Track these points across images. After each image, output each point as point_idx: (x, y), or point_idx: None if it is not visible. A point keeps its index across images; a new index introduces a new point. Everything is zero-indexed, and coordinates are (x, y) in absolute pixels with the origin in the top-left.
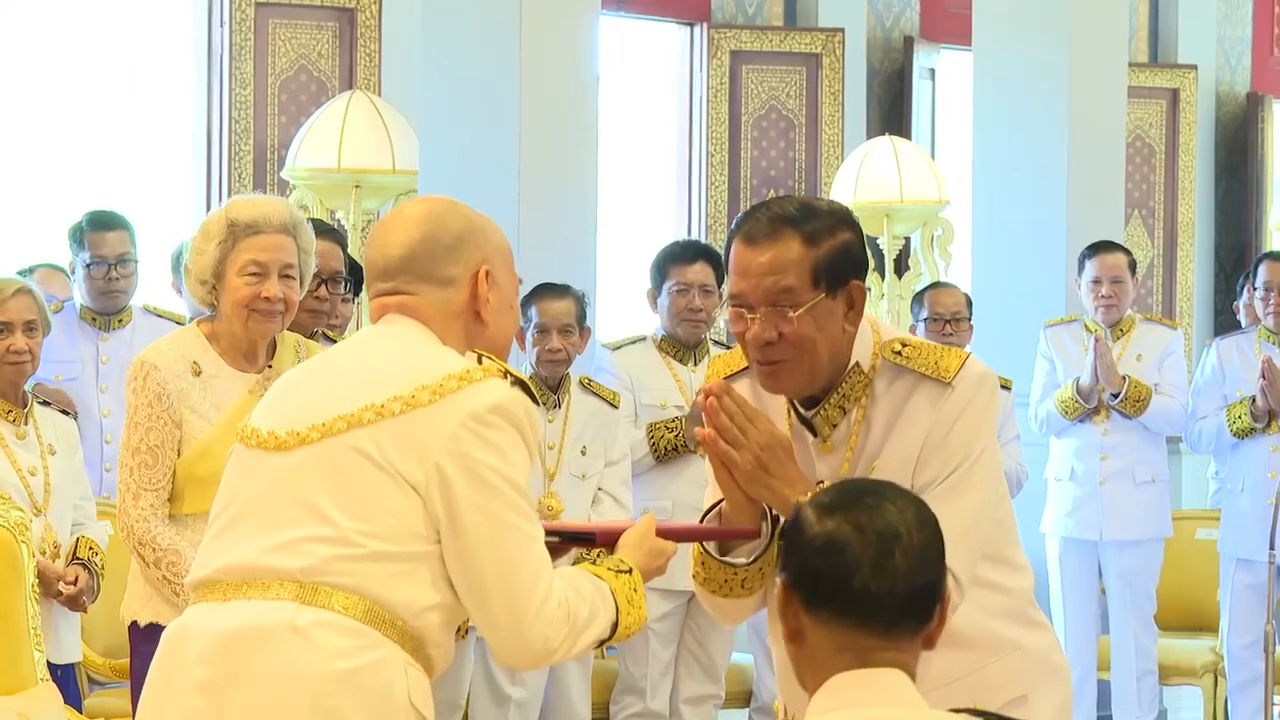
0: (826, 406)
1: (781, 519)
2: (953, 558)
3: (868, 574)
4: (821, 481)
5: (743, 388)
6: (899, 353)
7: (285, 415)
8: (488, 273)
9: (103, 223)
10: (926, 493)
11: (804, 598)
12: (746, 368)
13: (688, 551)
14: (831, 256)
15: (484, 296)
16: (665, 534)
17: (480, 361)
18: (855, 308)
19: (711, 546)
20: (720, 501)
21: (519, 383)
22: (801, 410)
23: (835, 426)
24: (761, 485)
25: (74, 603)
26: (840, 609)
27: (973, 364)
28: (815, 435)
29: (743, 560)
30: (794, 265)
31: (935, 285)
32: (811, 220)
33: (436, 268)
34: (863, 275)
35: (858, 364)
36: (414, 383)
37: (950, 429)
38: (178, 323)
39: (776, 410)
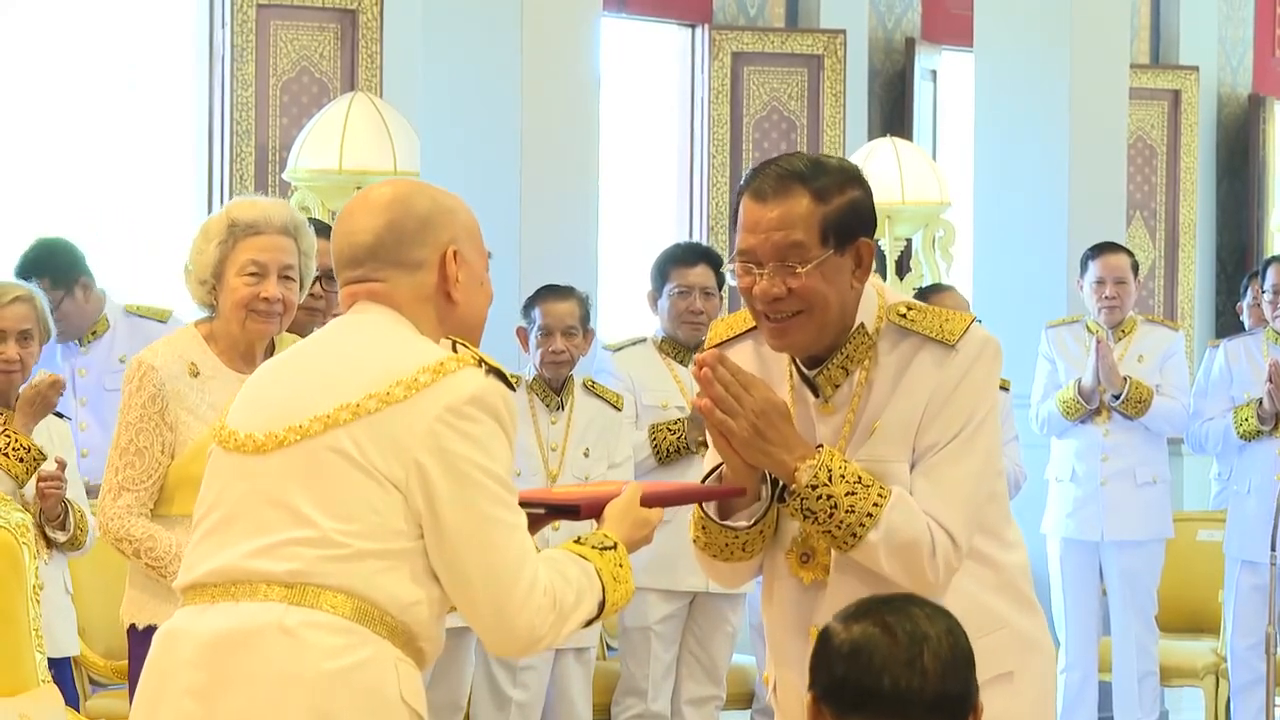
0: (829, 366)
1: (781, 482)
2: (952, 521)
3: (898, 672)
4: (820, 445)
5: (745, 349)
6: (904, 315)
7: (262, 417)
8: (455, 252)
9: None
10: (928, 456)
11: (834, 708)
12: (749, 330)
13: (688, 550)
14: (840, 213)
15: (453, 276)
16: (651, 498)
17: (455, 350)
18: (863, 265)
19: (711, 510)
20: (720, 465)
21: (494, 371)
22: (804, 370)
23: (838, 387)
24: (759, 451)
25: (50, 491)
26: (872, 713)
27: (977, 328)
28: (817, 396)
29: (743, 523)
30: (802, 221)
31: (934, 289)
32: (821, 176)
33: (404, 252)
34: (871, 233)
35: (862, 325)
36: (389, 378)
37: (953, 392)
38: (159, 320)
39: (779, 370)
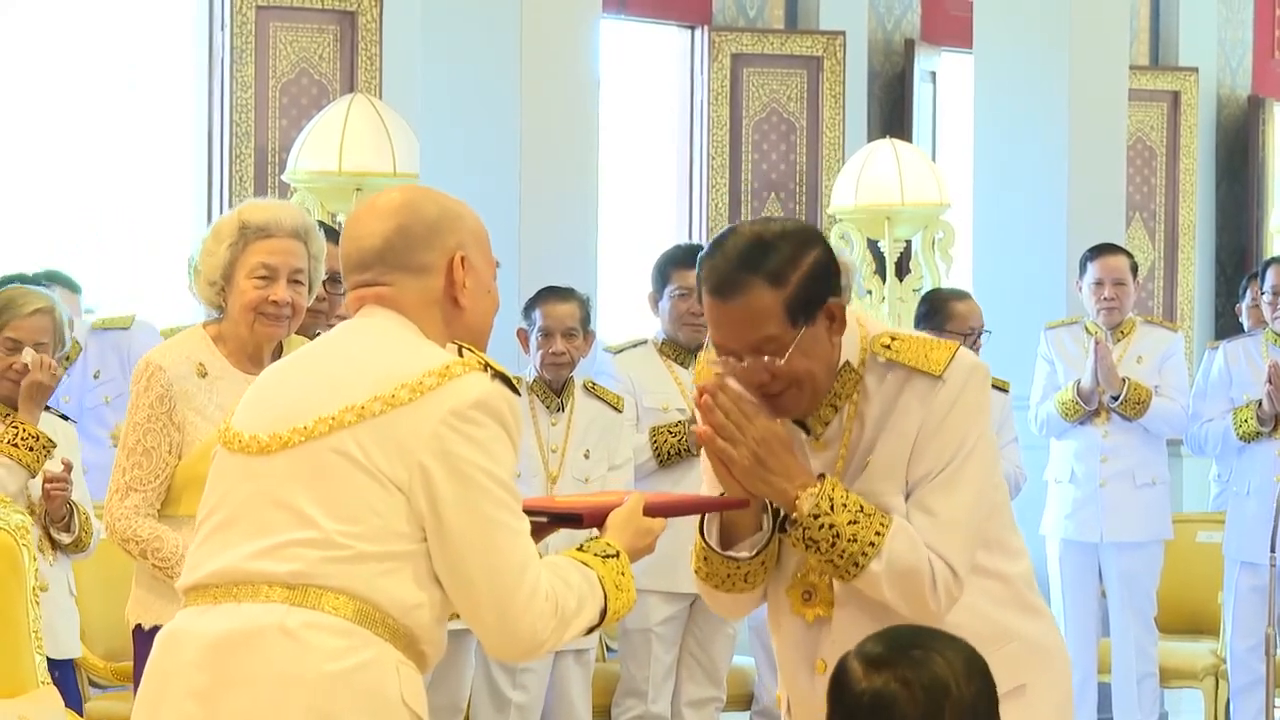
0: (819, 406)
1: (782, 511)
2: (951, 551)
3: None
4: (823, 475)
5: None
6: (888, 347)
7: (267, 418)
8: (463, 258)
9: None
10: (921, 486)
11: None
12: None
13: (689, 552)
14: (801, 289)
15: (460, 282)
16: (653, 509)
17: (461, 354)
18: (837, 319)
19: (713, 540)
20: (721, 493)
21: (500, 375)
22: None
23: (827, 424)
24: (760, 480)
25: (55, 493)
26: None
27: (962, 355)
28: (808, 433)
29: (745, 554)
30: (768, 313)
31: (959, 296)
32: (772, 256)
33: (412, 256)
34: (838, 290)
35: (848, 362)
36: (394, 381)
37: (943, 421)
38: (123, 328)
39: None
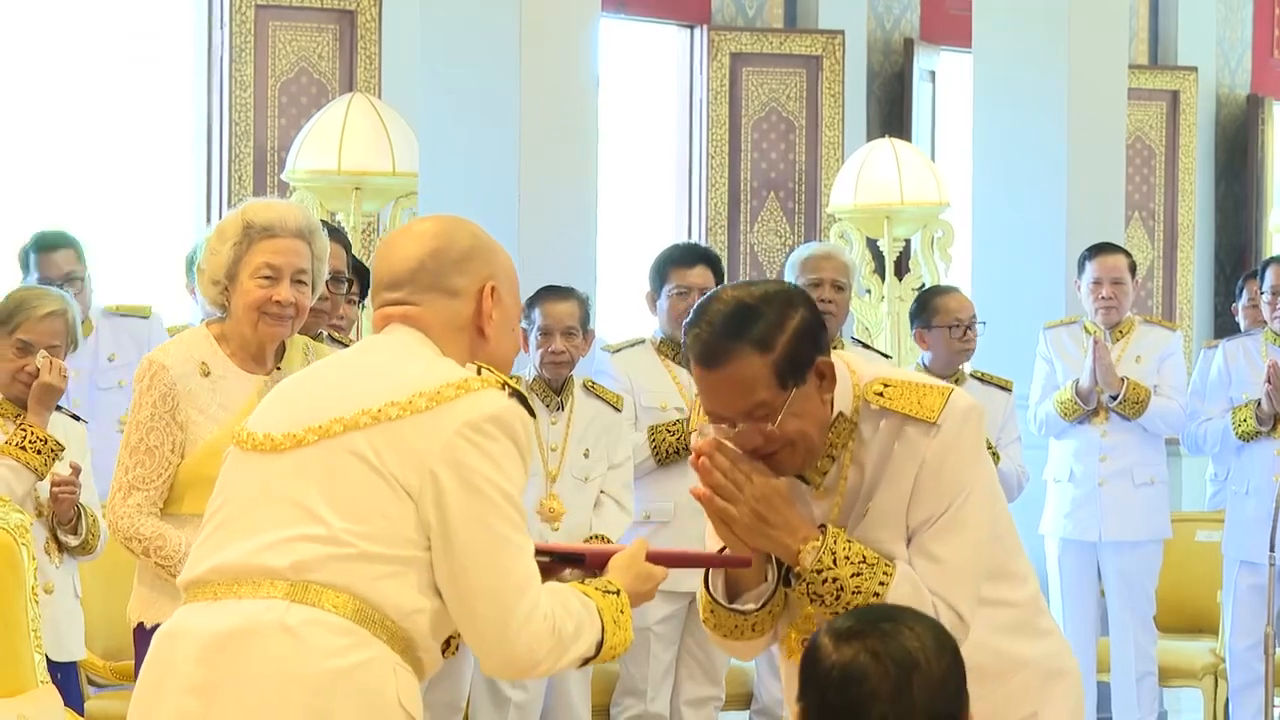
0: (815, 460)
1: (786, 563)
2: (957, 596)
3: (886, 705)
4: (824, 526)
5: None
6: (881, 394)
7: (282, 419)
8: (494, 288)
9: (48, 244)
10: (923, 532)
11: None
12: None
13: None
14: (788, 352)
15: (488, 311)
16: (655, 559)
17: (479, 372)
18: (827, 377)
19: (719, 594)
20: (723, 548)
21: (516, 394)
22: None
23: (825, 474)
24: (762, 537)
25: (63, 496)
26: None
27: (955, 399)
28: (807, 483)
29: (751, 606)
30: (757, 380)
31: (946, 291)
32: (757, 323)
33: (444, 278)
34: (825, 348)
35: (841, 413)
36: (411, 389)
37: (941, 467)
38: (142, 317)
39: None
